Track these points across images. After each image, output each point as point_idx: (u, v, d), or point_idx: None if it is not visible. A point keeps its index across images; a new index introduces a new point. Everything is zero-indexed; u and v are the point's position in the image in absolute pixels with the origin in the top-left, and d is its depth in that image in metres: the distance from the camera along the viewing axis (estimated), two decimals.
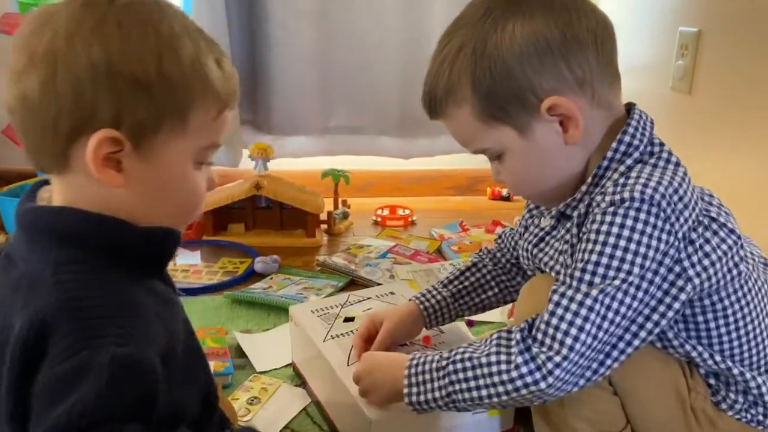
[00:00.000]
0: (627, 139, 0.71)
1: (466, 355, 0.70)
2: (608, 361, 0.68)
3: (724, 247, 0.70)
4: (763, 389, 0.75)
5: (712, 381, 0.76)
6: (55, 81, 0.52)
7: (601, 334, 0.65)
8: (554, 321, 0.65)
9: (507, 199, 2.08)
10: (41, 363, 0.50)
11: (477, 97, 0.70)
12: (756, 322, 0.75)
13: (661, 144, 0.73)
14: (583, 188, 0.73)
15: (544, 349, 0.65)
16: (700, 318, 0.73)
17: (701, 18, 1.44)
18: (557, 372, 0.64)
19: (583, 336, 0.64)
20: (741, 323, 0.73)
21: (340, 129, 1.95)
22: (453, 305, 0.94)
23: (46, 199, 0.60)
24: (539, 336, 0.66)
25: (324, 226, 1.74)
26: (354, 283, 1.43)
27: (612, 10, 1.86)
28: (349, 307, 1.03)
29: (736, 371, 0.74)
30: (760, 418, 0.76)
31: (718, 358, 0.74)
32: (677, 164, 0.71)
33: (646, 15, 1.70)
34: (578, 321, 0.64)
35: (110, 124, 0.53)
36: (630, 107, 0.75)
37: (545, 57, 0.68)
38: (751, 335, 0.75)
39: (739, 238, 0.72)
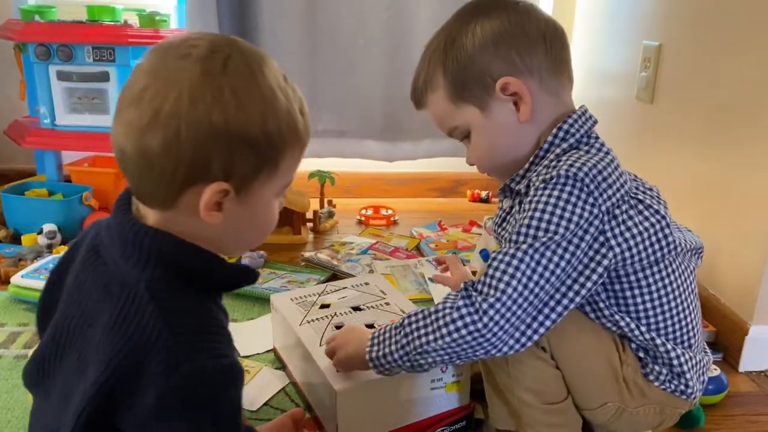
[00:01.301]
0: (566, 127, 0.83)
1: (420, 310, 0.80)
2: (540, 318, 0.75)
3: (647, 224, 0.80)
4: (682, 360, 0.84)
5: (641, 354, 0.85)
6: (178, 139, 0.58)
7: (531, 286, 0.73)
8: (490, 271, 0.74)
9: (486, 201, 2.18)
10: (139, 381, 0.57)
11: (447, 82, 0.84)
12: (679, 300, 0.84)
13: (597, 137, 0.84)
14: (526, 165, 0.84)
15: (482, 295, 0.73)
16: (628, 293, 0.82)
17: (662, 33, 1.54)
18: (491, 312, 0.72)
19: (514, 282, 0.73)
20: (664, 299, 0.83)
21: (327, 133, 2.04)
22: None
23: (135, 212, 0.65)
24: (478, 286, 0.75)
25: (310, 224, 1.83)
26: (336, 277, 1.52)
27: (584, 26, 1.97)
28: (325, 296, 1.12)
29: (659, 342, 0.83)
30: (682, 388, 0.85)
31: (643, 329, 0.83)
32: (606, 152, 0.82)
33: (615, 30, 1.80)
34: (510, 270, 0.73)
35: (222, 178, 0.60)
36: (581, 107, 0.86)
37: (500, 47, 0.82)
38: (674, 311, 0.84)
39: (663, 218, 0.82)
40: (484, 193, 2.19)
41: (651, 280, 0.82)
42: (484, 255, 1.35)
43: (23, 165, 1.98)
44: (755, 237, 1.20)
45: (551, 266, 0.74)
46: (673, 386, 0.85)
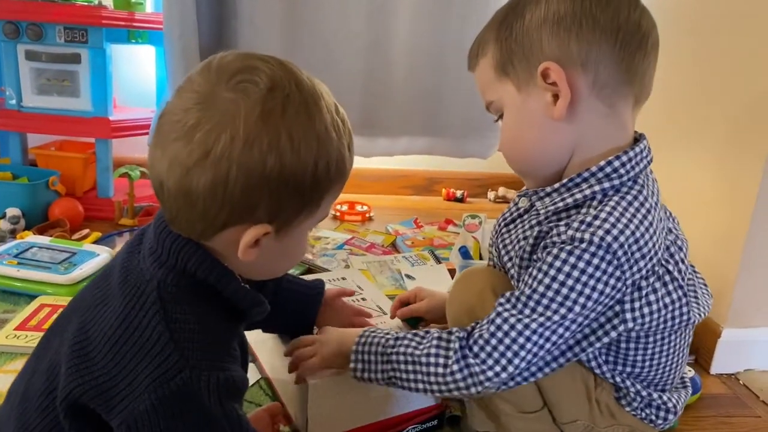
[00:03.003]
0: (617, 164, 0.73)
1: (409, 350, 0.75)
2: (531, 378, 0.74)
3: (668, 299, 0.75)
4: (655, 397, 0.82)
5: (618, 380, 0.82)
6: (226, 182, 0.55)
7: (533, 359, 0.70)
8: (493, 341, 0.70)
9: (460, 200, 2.18)
10: (135, 381, 0.56)
11: (496, 49, 0.76)
12: (673, 357, 0.81)
13: (643, 184, 0.75)
14: (556, 185, 0.76)
15: (478, 362, 0.70)
16: (623, 345, 0.78)
17: None
18: (488, 384, 0.70)
19: (517, 360, 0.69)
20: (657, 355, 0.79)
21: None
22: None
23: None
24: (476, 349, 0.70)
25: None
26: (311, 271, 1.49)
27: None
28: None
29: (633, 390, 0.81)
30: (653, 417, 0.83)
31: (618, 379, 0.80)
32: (648, 209, 0.72)
33: None
34: (515, 347, 0.69)
35: (266, 220, 0.59)
36: (640, 137, 0.77)
37: (560, 27, 0.71)
38: (662, 364, 0.81)
39: (685, 295, 0.77)
40: (459, 193, 2.19)
41: (654, 347, 0.79)
42: (463, 252, 1.35)
43: None
44: (728, 241, 1.22)
45: (558, 340, 0.70)
46: (644, 414, 0.83)
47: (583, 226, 0.70)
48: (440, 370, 0.72)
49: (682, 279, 0.77)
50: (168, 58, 1.73)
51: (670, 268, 0.76)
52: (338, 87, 2.16)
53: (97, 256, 1.34)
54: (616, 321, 0.73)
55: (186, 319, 0.58)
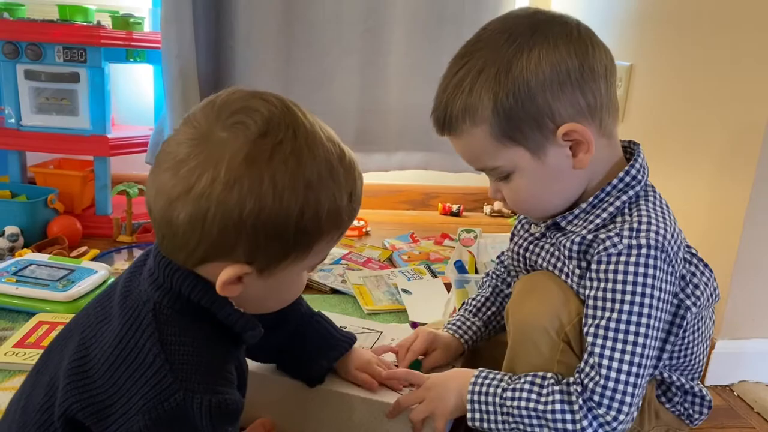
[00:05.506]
0: (633, 172, 0.77)
1: (531, 405, 0.74)
2: (640, 402, 0.75)
3: (704, 278, 0.81)
4: (696, 388, 0.86)
5: (665, 375, 0.85)
6: (204, 220, 0.56)
7: (643, 382, 0.73)
8: (611, 384, 0.71)
9: (456, 214, 2.19)
10: (131, 400, 0.56)
11: (496, 118, 0.73)
12: (700, 344, 0.85)
13: (653, 186, 0.81)
14: (583, 205, 0.78)
15: (603, 410, 0.71)
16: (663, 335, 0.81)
17: (633, 53, 1.58)
18: (620, 426, 0.72)
19: (637, 389, 0.72)
20: (692, 344, 0.83)
21: None
22: (485, 331, 1.00)
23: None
24: (597, 399, 0.71)
25: None
26: (308, 286, 1.50)
27: None
28: None
29: (677, 383, 0.84)
30: (690, 412, 0.86)
31: (666, 374, 0.83)
32: (667, 206, 0.80)
33: None
34: (631, 377, 0.71)
35: (244, 261, 0.59)
36: (632, 144, 0.82)
37: (564, 85, 0.72)
38: (694, 353, 0.85)
39: (711, 271, 0.83)
40: (455, 207, 2.20)
41: (691, 332, 0.82)
42: (459, 266, 1.36)
43: None
44: (720, 254, 1.23)
45: (653, 352, 0.74)
46: (682, 409, 0.85)
47: (634, 233, 0.73)
48: (569, 426, 0.72)
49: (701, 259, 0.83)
50: (165, 76, 1.75)
51: (693, 251, 0.83)
52: (334, 103, 2.20)
53: (95, 273, 1.35)
54: (681, 312, 0.79)
55: (181, 341, 0.59)
